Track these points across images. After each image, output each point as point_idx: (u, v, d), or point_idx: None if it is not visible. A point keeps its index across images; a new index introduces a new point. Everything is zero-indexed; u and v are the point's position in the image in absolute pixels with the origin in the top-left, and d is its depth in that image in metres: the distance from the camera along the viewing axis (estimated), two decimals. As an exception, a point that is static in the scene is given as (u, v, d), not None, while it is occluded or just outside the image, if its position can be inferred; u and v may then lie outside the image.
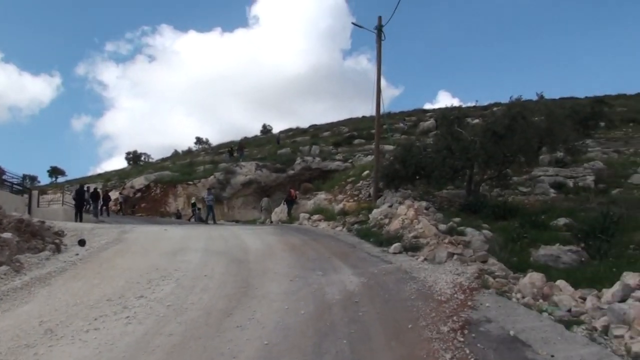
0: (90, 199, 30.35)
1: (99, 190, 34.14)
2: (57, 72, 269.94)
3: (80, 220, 24.00)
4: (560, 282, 9.24)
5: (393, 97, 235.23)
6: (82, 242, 14.08)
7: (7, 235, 11.90)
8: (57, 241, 13.59)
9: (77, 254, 12.83)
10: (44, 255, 12.19)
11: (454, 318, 7.64)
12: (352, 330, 7.20)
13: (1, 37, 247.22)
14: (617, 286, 7.83)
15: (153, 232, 17.93)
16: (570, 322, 7.46)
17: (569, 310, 8.02)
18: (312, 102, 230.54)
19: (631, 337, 6.49)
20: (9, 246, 11.43)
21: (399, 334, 7.10)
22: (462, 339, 6.77)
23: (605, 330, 6.94)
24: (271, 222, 31.26)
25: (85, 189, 28.99)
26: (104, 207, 32.50)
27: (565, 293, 8.83)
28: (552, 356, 6.22)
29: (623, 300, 7.46)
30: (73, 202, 26.78)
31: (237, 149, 48.40)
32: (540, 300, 8.82)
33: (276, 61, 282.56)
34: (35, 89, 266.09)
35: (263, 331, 7.14)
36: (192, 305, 8.46)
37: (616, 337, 6.69)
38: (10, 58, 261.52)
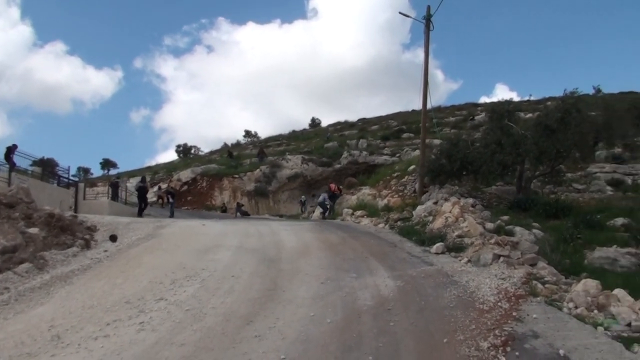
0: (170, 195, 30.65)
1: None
2: (119, 66, 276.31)
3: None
4: (619, 292, 8.29)
5: (451, 91, 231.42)
6: (113, 238, 13.80)
7: (33, 230, 11.63)
8: (87, 237, 13.32)
9: (105, 251, 12.55)
10: (71, 252, 11.90)
11: (496, 332, 6.86)
12: (380, 343, 6.51)
13: (66, 30, 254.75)
14: (684, 299, 6.90)
15: (190, 227, 17.61)
16: (630, 339, 6.55)
17: (629, 325, 7.12)
18: (368, 95, 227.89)
19: (703, 362, 5.61)
20: (34, 242, 11.14)
21: (433, 350, 6.37)
22: (503, 359, 6.00)
23: (673, 351, 6.04)
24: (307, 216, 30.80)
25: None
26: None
27: (624, 304, 7.90)
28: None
29: (692, 316, 6.55)
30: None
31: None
32: (595, 312, 7.94)
33: (334, 54, 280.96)
34: (99, 82, 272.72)
35: (282, 342, 6.52)
36: (213, 310, 7.93)
37: (685, 360, 5.81)
38: (75, 51, 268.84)
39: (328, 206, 26.26)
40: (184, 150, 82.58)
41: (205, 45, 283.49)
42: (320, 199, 27.13)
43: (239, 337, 6.74)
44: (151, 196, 37.93)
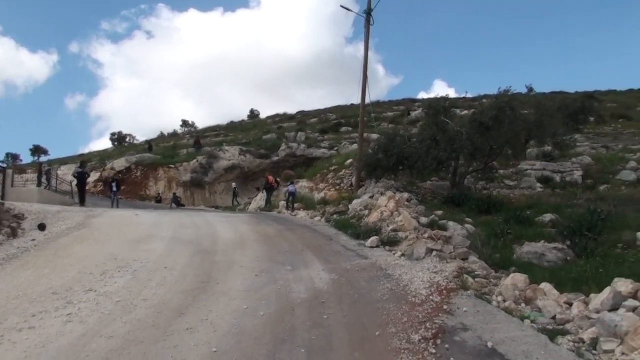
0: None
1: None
2: (55, 50, 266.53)
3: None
4: (545, 286, 8.55)
5: (392, 86, 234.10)
6: (42, 227, 13.29)
7: (-47, 218, 11.10)
8: (14, 225, 12.80)
9: (33, 240, 12.05)
10: (-5, 241, 11.40)
11: (427, 325, 6.96)
12: (313, 336, 6.50)
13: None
14: (607, 293, 7.12)
15: (122, 217, 17.12)
16: (554, 332, 6.76)
17: (554, 318, 7.35)
18: (310, 88, 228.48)
19: (623, 354, 5.78)
20: (-45, 230, 10.62)
21: (365, 342, 6.40)
22: (434, 351, 6.09)
23: (594, 343, 6.23)
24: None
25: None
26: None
27: (550, 298, 8.15)
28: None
29: (614, 309, 6.76)
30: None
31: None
32: (523, 305, 8.16)
33: (277, 45, 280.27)
34: (33, 66, 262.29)
35: (214, 335, 6.42)
36: (144, 301, 7.73)
37: (606, 352, 5.97)
38: (8, 32, 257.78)
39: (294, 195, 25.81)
40: (119, 139, 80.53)
41: (144, 31, 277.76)
42: (292, 188, 26.62)
43: (170, 329, 6.59)
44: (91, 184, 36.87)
